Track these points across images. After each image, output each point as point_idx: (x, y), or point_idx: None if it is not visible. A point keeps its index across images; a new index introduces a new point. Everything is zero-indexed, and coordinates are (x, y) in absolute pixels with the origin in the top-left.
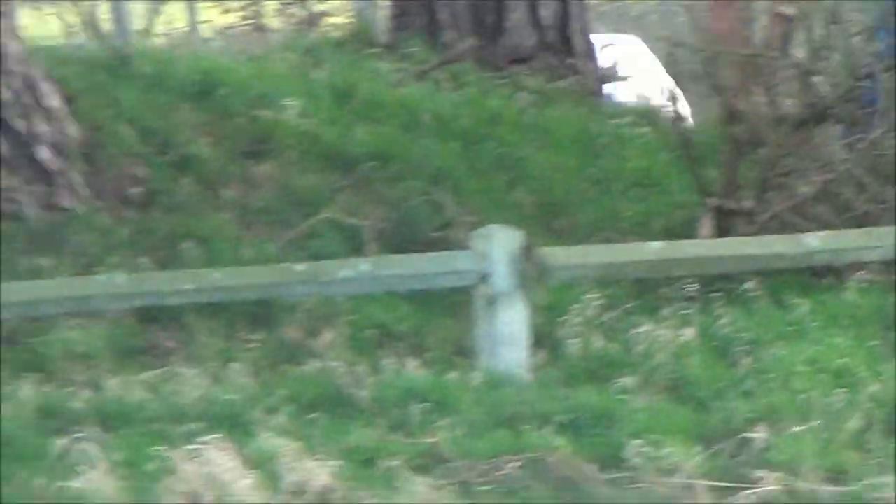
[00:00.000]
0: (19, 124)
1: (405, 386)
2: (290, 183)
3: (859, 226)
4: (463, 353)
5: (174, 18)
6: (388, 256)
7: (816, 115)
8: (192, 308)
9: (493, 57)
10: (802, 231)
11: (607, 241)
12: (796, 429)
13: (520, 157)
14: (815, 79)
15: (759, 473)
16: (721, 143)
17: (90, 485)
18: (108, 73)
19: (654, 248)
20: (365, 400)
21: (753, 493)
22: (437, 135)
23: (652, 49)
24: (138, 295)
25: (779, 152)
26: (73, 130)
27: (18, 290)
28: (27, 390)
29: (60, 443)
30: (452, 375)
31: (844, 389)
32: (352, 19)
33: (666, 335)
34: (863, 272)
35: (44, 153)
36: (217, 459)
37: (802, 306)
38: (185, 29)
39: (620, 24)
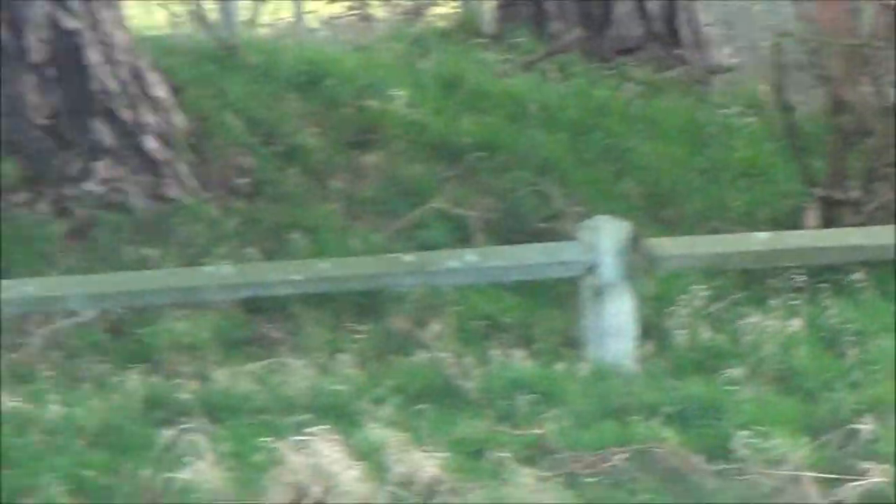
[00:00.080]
0: (126, 114)
1: (512, 377)
2: (396, 173)
3: None
4: (570, 344)
5: (280, 9)
6: (495, 247)
7: None
8: (299, 298)
9: (599, 48)
10: None
11: (714, 231)
12: None
13: (626, 147)
14: None
15: (866, 465)
16: (827, 133)
17: (197, 476)
18: (215, 63)
19: (761, 239)
20: (472, 391)
21: (860, 484)
22: (544, 125)
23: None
24: (245, 285)
25: (885, 142)
26: (179, 121)
27: (125, 281)
28: (134, 381)
29: (167, 434)
30: (559, 366)
31: None
32: (458, 9)
33: (773, 326)
34: None
35: (150, 143)
36: (324, 451)
37: None
38: (291, 19)
39: (727, 14)
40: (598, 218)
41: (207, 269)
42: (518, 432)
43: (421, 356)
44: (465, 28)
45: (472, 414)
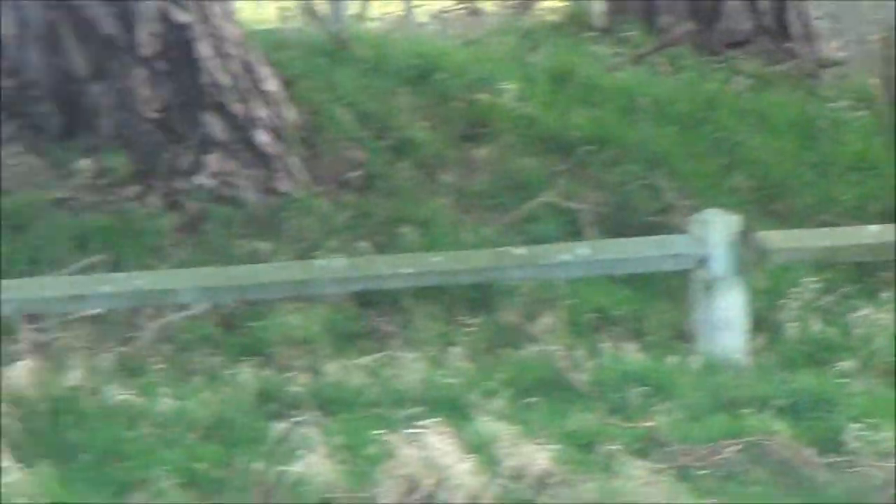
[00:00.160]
0: (237, 108)
1: (623, 370)
2: (507, 167)
3: None
4: (681, 337)
5: (388, 3)
6: (607, 240)
7: None
8: (410, 292)
9: (709, 41)
10: None
11: (824, 224)
12: None
13: (737, 141)
14: None
15: None
16: None
17: (309, 468)
18: (325, 57)
19: (872, 232)
20: (583, 384)
21: None
22: (654, 119)
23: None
24: (357, 279)
25: None
26: (290, 114)
27: (236, 275)
28: (246, 374)
29: (280, 427)
30: (670, 359)
31: None
32: (568, 3)
33: (885, 319)
34: None
35: (262, 137)
36: (436, 443)
37: None
38: (400, 13)
39: (835, 8)
40: (709, 211)
41: (319, 262)
42: (629, 425)
43: (532, 349)
44: (575, 22)
45: (583, 407)
